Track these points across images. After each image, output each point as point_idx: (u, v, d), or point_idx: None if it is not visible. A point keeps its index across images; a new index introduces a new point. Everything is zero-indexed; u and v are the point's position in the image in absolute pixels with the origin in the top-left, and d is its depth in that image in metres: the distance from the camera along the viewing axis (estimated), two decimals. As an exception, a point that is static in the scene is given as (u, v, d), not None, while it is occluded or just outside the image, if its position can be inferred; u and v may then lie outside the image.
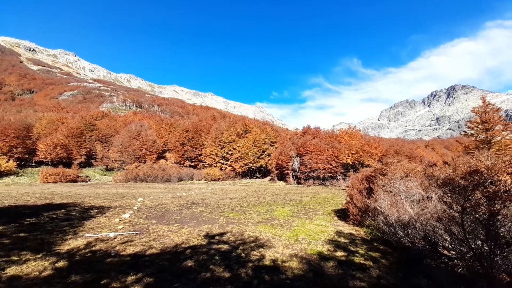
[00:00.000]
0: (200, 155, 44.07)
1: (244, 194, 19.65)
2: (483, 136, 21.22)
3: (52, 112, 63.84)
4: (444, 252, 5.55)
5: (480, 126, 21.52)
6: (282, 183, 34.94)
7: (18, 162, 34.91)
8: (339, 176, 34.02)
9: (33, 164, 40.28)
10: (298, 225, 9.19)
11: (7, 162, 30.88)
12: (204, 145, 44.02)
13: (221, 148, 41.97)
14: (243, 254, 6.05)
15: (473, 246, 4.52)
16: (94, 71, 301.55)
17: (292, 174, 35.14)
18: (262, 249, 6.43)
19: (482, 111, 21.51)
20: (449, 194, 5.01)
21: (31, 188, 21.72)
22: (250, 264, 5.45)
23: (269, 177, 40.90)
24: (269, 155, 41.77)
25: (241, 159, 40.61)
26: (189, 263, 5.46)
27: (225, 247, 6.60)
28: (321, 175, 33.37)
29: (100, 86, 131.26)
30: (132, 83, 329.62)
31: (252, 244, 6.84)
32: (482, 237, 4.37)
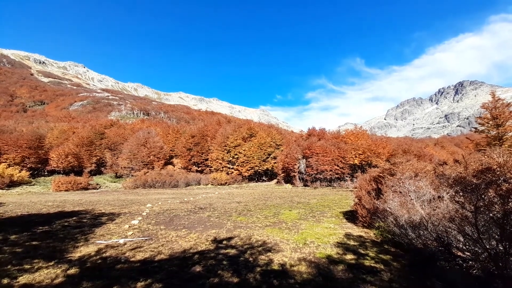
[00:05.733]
0: (207, 160, 44.32)
1: (251, 197, 19.60)
2: (494, 132, 20.61)
3: (63, 122, 65.60)
4: (458, 253, 5.38)
5: (490, 122, 20.92)
6: (288, 185, 34.73)
7: (30, 171, 35.85)
8: (346, 177, 33.58)
9: (46, 173, 41.31)
10: (306, 228, 9.09)
11: (19, 172, 31.75)
12: (210, 150, 44.26)
13: (227, 153, 42.11)
14: (251, 259, 6.02)
15: (487, 247, 4.37)
16: (103, 81, 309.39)
17: (299, 176, 34.88)
18: (270, 253, 6.39)
19: (492, 106, 20.94)
20: (461, 193, 4.89)
21: (43, 196, 22.25)
22: (258, 269, 5.42)
23: (275, 180, 40.71)
24: (275, 158, 41.65)
25: (247, 162, 40.62)
26: (198, 268, 5.47)
27: (233, 251, 6.59)
28: (328, 177, 33.01)
29: (108, 96, 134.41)
30: (139, 92, 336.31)
31: (260, 248, 6.80)
32: (496, 237, 4.23)
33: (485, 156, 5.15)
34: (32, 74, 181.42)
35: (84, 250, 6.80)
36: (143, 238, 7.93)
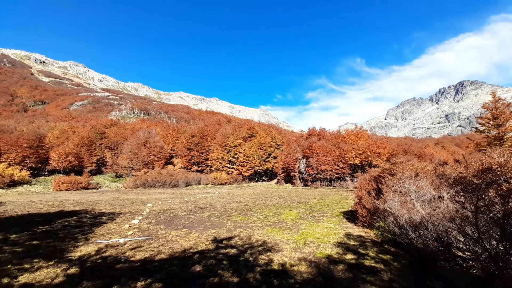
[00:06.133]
0: (207, 159, 44.34)
1: (251, 197, 19.61)
2: (495, 132, 20.59)
3: (63, 122, 65.61)
4: (458, 253, 5.38)
5: (491, 122, 20.91)
6: (289, 185, 34.72)
7: (31, 171, 35.93)
8: (346, 177, 33.56)
9: (46, 172, 41.37)
10: (306, 228, 9.09)
11: (20, 171, 31.79)
12: (210, 149, 44.28)
13: (227, 152, 42.12)
14: (251, 258, 6.02)
15: (488, 247, 4.37)
16: (103, 81, 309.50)
17: (299, 176, 34.88)
18: (270, 253, 6.39)
19: (493, 106, 20.92)
20: (461, 193, 4.88)
21: (44, 196, 22.28)
22: (258, 269, 5.42)
23: (275, 180, 40.71)
24: (275, 158, 41.65)
25: (247, 162, 40.62)
26: (198, 268, 5.47)
27: (233, 251, 6.59)
28: (328, 177, 33.00)
29: (109, 95, 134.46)
30: (139, 91, 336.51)
31: (260, 248, 6.80)
32: (497, 236, 4.22)
33: (486, 156, 5.13)
34: (32, 74, 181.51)
35: (84, 249, 6.81)
36: (143, 238, 7.93)
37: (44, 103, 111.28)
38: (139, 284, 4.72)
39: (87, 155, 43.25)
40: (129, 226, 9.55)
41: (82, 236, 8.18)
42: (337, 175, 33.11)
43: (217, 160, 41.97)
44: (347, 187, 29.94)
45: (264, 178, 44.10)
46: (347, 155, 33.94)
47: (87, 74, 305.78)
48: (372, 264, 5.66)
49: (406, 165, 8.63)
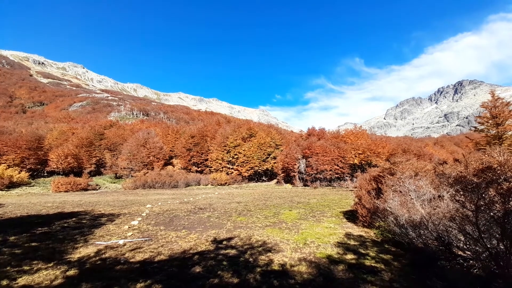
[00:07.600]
0: (206, 160, 44.30)
1: (251, 198, 19.58)
2: (494, 131, 20.63)
3: (62, 123, 65.48)
4: (459, 253, 5.37)
5: (490, 121, 20.96)
6: (288, 185, 34.70)
7: (30, 172, 35.77)
8: (346, 177, 33.57)
9: (45, 174, 41.21)
10: (306, 228, 9.08)
11: (19, 173, 31.67)
12: (210, 150, 44.24)
13: (227, 153, 42.09)
14: (251, 259, 6.00)
15: (488, 246, 4.36)
16: (102, 82, 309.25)
17: (299, 176, 34.87)
18: (270, 254, 6.37)
19: (492, 105, 20.97)
20: (461, 193, 4.87)
21: (43, 197, 22.19)
22: (259, 269, 5.40)
23: (275, 180, 40.70)
24: (274, 158, 41.64)
25: (247, 163, 40.60)
26: (197, 269, 5.45)
27: (233, 252, 6.57)
28: (328, 177, 33.00)
29: (108, 96, 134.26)
30: (138, 92, 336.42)
31: (260, 249, 6.78)
32: (497, 236, 4.22)
33: (486, 155, 5.13)
34: (31, 75, 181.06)
35: (83, 251, 6.77)
36: (142, 239, 7.90)
37: (43, 104, 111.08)
38: (139, 285, 4.69)
39: (86, 156, 43.14)
40: (129, 227, 9.51)
41: (81, 237, 8.14)
42: (336, 175, 33.12)
43: (217, 160, 41.93)
44: (347, 187, 29.94)
45: (263, 178, 44.07)
46: (346, 155, 33.95)
47: (86, 75, 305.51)
48: (373, 264, 5.65)
49: (406, 164, 8.63)
